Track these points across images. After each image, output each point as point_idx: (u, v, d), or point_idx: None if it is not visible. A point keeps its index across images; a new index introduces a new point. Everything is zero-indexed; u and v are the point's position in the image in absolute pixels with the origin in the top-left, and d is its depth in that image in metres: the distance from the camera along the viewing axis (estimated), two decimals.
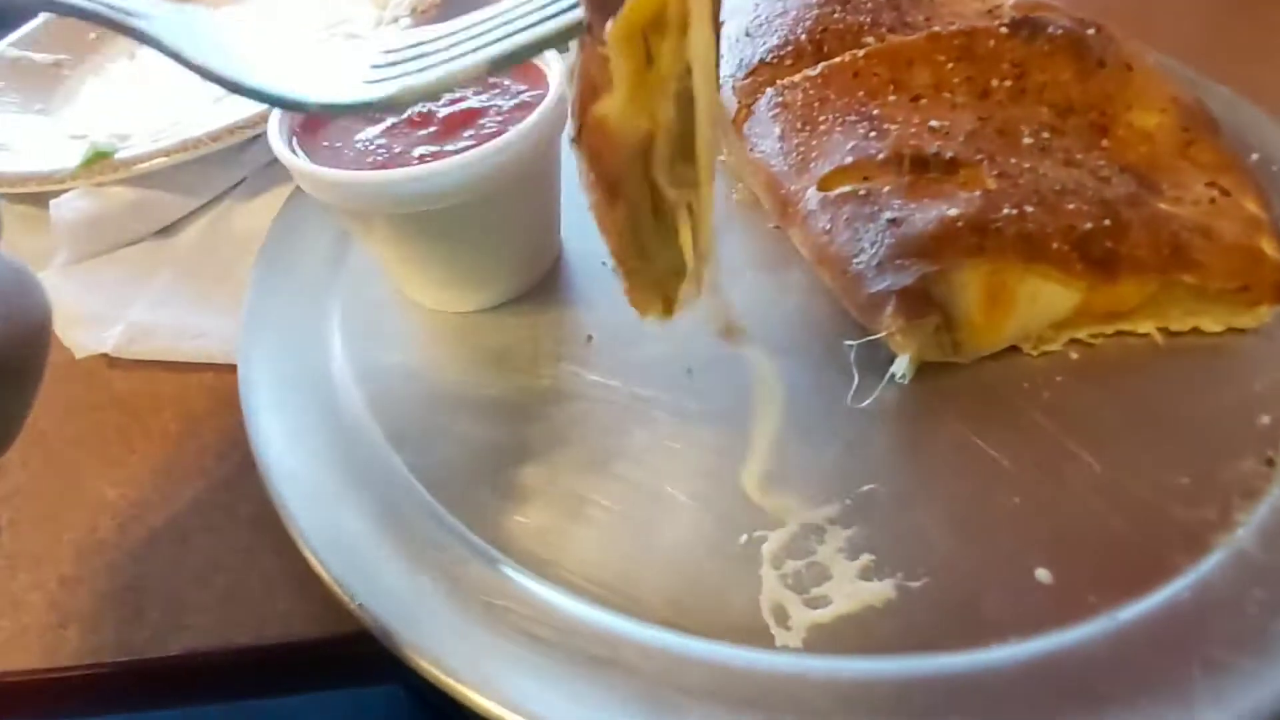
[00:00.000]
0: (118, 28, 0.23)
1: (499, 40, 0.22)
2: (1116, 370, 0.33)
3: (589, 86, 0.21)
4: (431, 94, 0.25)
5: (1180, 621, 0.25)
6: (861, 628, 0.26)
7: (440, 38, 0.23)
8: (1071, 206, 0.33)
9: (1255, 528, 0.27)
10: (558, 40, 0.21)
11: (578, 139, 0.22)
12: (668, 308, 0.25)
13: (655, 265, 0.24)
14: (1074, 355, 0.34)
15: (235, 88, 0.22)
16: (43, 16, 0.63)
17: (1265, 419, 0.31)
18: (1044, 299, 0.33)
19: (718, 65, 0.20)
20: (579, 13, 0.20)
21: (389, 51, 0.24)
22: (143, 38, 0.23)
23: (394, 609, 0.26)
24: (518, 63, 0.23)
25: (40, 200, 0.43)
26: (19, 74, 0.59)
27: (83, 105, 0.57)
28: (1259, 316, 0.34)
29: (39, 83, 0.59)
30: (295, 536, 0.28)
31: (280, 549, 0.30)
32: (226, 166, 0.47)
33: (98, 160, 0.43)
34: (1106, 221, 0.33)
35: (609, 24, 0.19)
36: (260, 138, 0.45)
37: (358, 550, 0.28)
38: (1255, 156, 0.40)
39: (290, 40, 0.25)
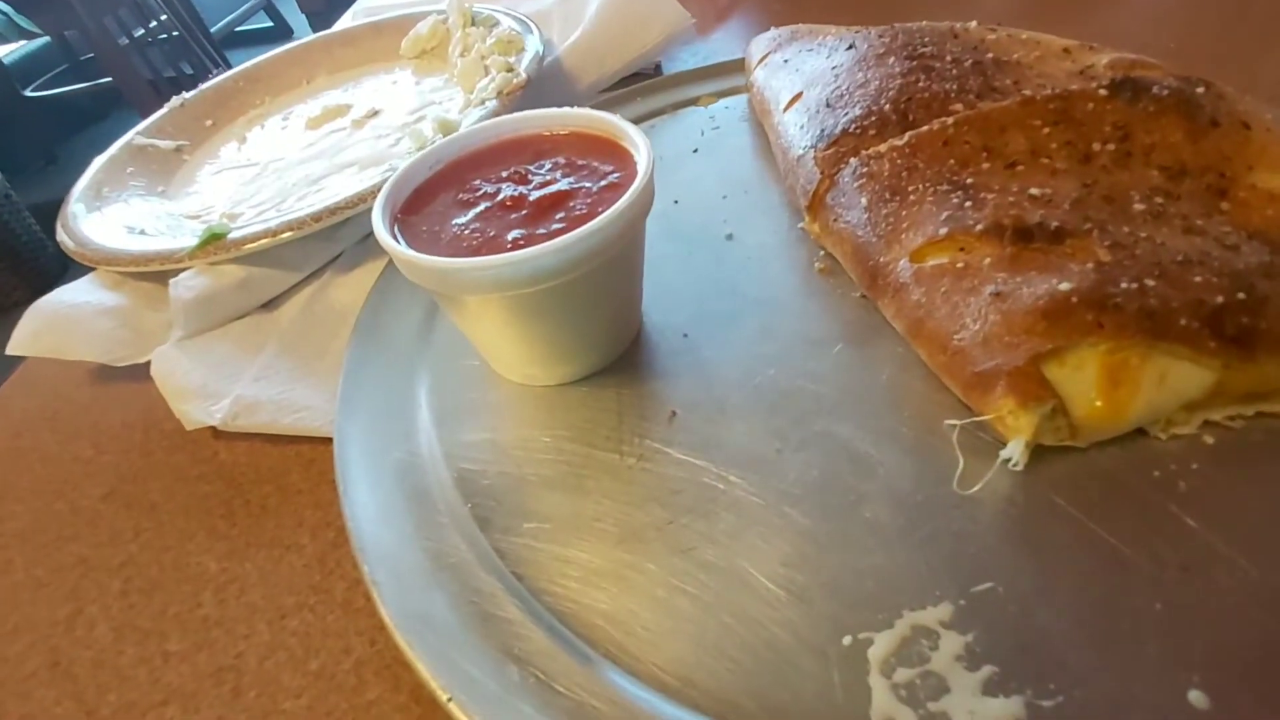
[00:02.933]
0: None
1: None
2: (1262, 457, 0.30)
3: None
4: None
5: None
6: None
7: None
8: (1199, 279, 0.31)
9: None
10: None
11: None
12: None
13: None
14: (1209, 439, 0.31)
15: None
16: (167, 106, 0.70)
17: None
18: (1173, 379, 0.30)
19: None
20: None
21: None
22: None
23: (484, 705, 0.26)
24: None
25: (162, 278, 0.47)
26: (145, 160, 0.65)
27: (199, 188, 0.62)
28: None
29: (162, 168, 0.65)
30: (387, 623, 0.28)
31: (372, 633, 0.30)
32: (326, 243, 0.50)
33: (212, 241, 0.47)
34: (1240, 295, 0.30)
35: None
36: (356, 217, 0.47)
37: (447, 640, 0.28)
38: None
39: None
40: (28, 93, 2.61)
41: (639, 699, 0.26)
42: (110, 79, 2.34)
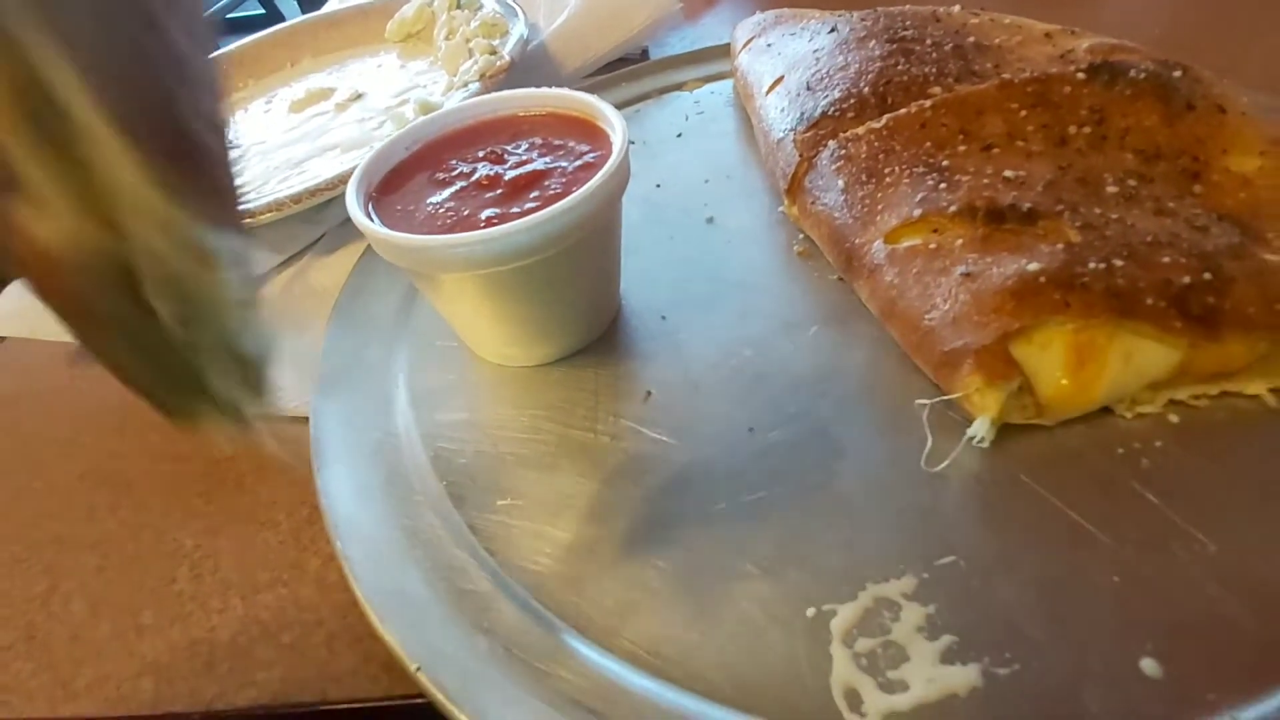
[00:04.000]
0: None
1: None
2: (1224, 435, 0.31)
3: None
4: None
5: None
6: (943, 718, 0.24)
7: None
8: (1166, 259, 0.31)
9: None
10: None
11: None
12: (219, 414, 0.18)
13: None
14: (1174, 418, 0.31)
15: None
16: None
17: None
18: (1139, 358, 0.30)
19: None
20: None
21: None
22: None
23: (452, 675, 0.26)
24: None
25: None
26: None
27: None
28: None
29: None
30: (359, 598, 0.28)
31: (344, 608, 0.31)
32: (307, 225, 0.50)
33: None
34: (1207, 275, 0.30)
35: None
36: (337, 199, 0.47)
37: (419, 613, 0.28)
38: None
39: None
40: None
41: (607, 669, 0.26)
42: None
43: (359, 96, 0.63)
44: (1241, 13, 0.63)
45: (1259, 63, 0.55)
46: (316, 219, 0.50)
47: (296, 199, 0.46)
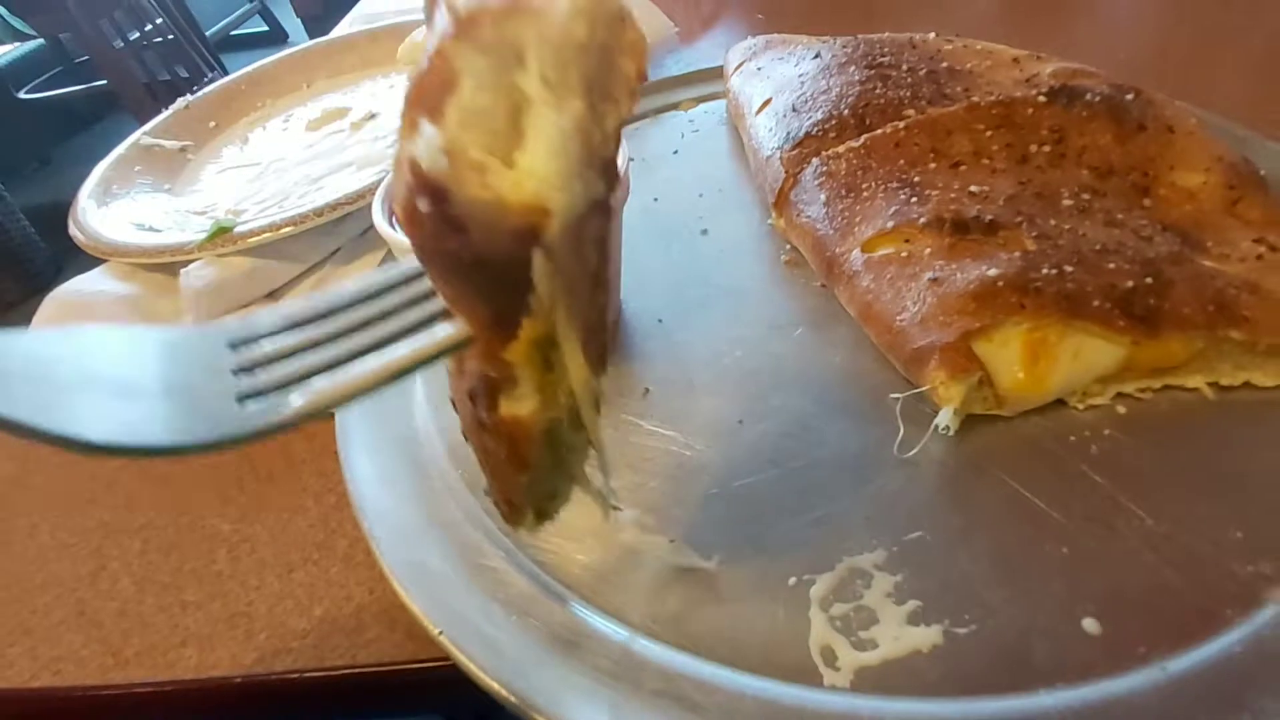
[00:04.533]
0: None
1: (385, 341, 0.20)
2: (1166, 425, 0.34)
3: (491, 385, 0.21)
4: (326, 412, 0.19)
5: (1231, 674, 0.25)
6: (909, 671, 0.27)
7: (307, 333, 0.20)
8: (1112, 265, 0.34)
9: None
10: (447, 353, 0.21)
11: (484, 430, 0.23)
12: (539, 519, 0.27)
13: (535, 494, 0.26)
14: (1122, 410, 0.35)
15: (31, 433, 0.15)
16: (172, 108, 0.73)
17: None
18: (1087, 355, 0.34)
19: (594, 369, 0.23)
20: (462, 329, 0.20)
21: (249, 346, 0.19)
22: None
23: (470, 638, 0.29)
24: (412, 373, 0.20)
25: (172, 269, 0.50)
26: (151, 159, 0.68)
27: (203, 185, 0.65)
28: None
29: (168, 166, 0.68)
30: (384, 572, 0.31)
31: (370, 583, 0.34)
32: (326, 237, 0.53)
33: (220, 234, 0.50)
34: (1148, 279, 0.34)
35: (510, 344, 0.20)
36: (354, 213, 0.51)
37: (439, 585, 0.31)
38: None
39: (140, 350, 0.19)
40: (21, 95, 2.63)
41: (611, 633, 0.29)
42: (105, 82, 2.36)
43: (373, 116, 0.67)
44: (1199, 38, 0.67)
45: (1212, 84, 0.59)
46: (335, 231, 0.54)
47: (318, 213, 0.49)
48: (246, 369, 0.19)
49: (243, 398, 0.19)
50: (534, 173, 0.18)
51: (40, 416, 0.16)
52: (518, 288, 0.19)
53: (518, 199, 0.17)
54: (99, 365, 0.18)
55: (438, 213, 0.18)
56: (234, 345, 0.20)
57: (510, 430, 0.22)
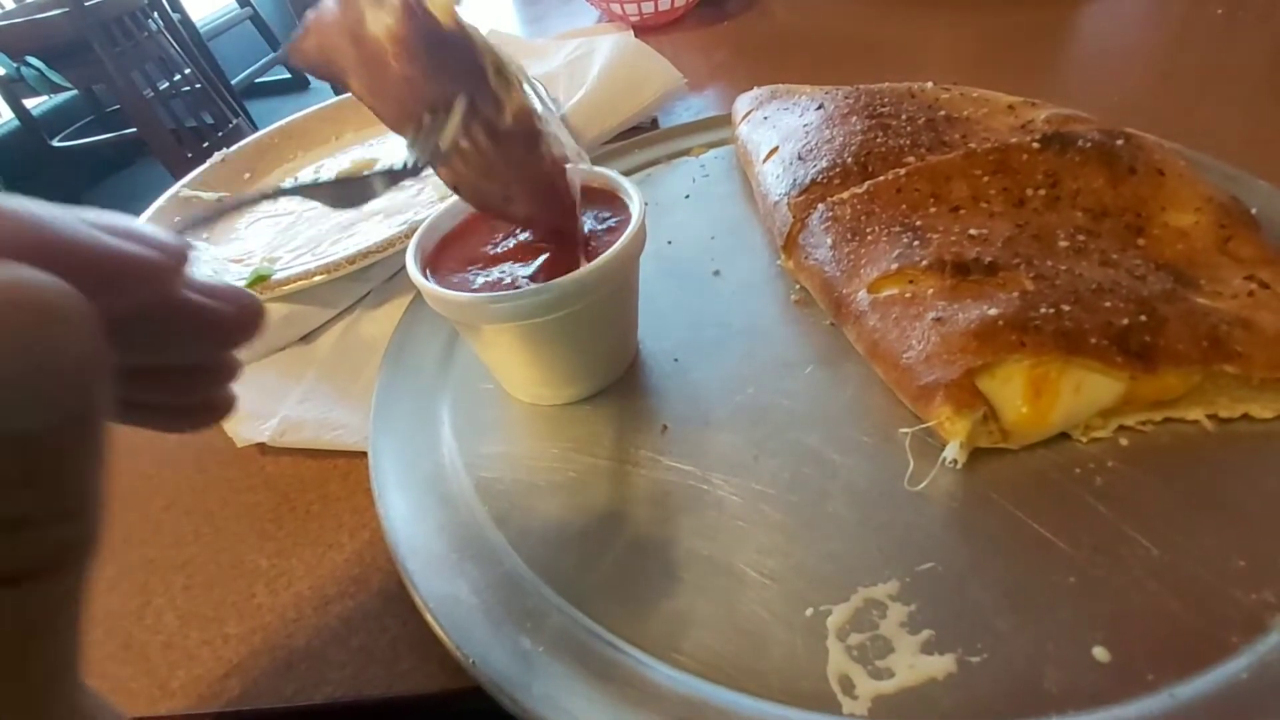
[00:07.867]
0: None
1: None
2: (1168, 456, 0.35)
3: None
4: None
5: (1238, 700, 0.26)
6: (924, 699, 0.28)
7: None
8: (1108, 304, 0.36)
9: None
10: None
11: None
12: None
13: None
14: (1124, 442, 0.36)
15: None
16: (209, 161, 0.77)
17: None
18: (1088, 389, 0.35)
19: None
20: None
21: None
22: None
23: (501, 668, 0.30)
24: None
25: None
26: (190, 210, 0.71)
27: (239, 234, 0.69)
28: None
29: (205, 216, 0.72)
30: (418, 604, 0.33)
31: (405, 615, 0.35)
32: (357, 282, 0.56)
33: (259, 281, 0.53)
34: (1143, 317, 0.35)
35: None
36: (384, 260, 0.53)
37: (471, 617, 0.33)
38: None
39: None
40: (55, 143, 2.74)
41: (635, 660, 0.31)
42: (134, 129, 2.46)
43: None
44: (1188, 81, 0.69)
45: (1203, 125, 0.61)
46: (365, 277, 0.56)
47: (351, 260, 0.52)
48: None
49: None
50: None
51: None
52: None
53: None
54: None
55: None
56: None
57: None
